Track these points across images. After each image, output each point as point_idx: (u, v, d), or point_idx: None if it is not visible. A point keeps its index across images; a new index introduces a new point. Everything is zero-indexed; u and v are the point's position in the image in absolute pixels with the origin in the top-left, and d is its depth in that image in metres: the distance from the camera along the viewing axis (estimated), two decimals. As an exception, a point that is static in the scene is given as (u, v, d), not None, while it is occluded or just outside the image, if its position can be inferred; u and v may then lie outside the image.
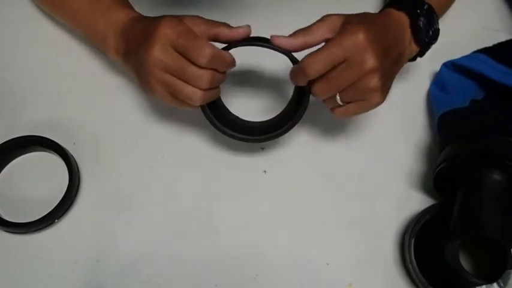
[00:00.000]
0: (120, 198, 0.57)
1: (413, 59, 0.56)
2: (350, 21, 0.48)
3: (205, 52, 0.46)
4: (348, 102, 0.49)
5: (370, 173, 0.60)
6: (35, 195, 0.57)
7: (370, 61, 0.46)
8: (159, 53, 0.47)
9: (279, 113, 0.57)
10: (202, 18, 0.50)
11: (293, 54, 0.50)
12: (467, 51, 0.62)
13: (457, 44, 0.57)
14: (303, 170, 0.59)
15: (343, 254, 0.56)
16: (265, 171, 0.59)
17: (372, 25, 0.48)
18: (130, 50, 0.52)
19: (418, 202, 0.58)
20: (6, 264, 0.54)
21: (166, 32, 0.47)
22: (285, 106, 0.57)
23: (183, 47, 0.47)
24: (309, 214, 0.57)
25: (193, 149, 0.60)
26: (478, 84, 0.59)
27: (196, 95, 0.49)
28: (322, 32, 0.49)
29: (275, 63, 0.59)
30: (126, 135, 0.60)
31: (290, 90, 0.56)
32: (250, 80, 0.64)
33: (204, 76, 0.47)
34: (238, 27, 0.49)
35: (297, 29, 0.49)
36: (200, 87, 0.48)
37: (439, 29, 0.54)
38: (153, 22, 0.49)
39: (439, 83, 0.62)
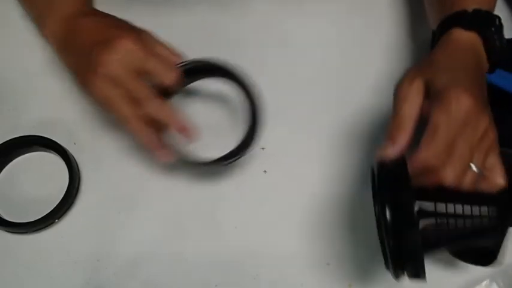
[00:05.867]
0: (120, 198, 0.57)
1: None
2: (441, 88, 0.41)
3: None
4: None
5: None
6: (35, 195, 0.57)
7: (484, 120, 0.42)
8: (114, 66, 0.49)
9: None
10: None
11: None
12: (467, 52, 0.62)
13: (457, 44, 0.57)
14: (303, 170, 0.59)
15: (343, 254, 0.56)
16: (265, 171, 0.59)
17: (463, 79, 0.42)
18: (74, 44, 0.53)
19: (418, 202, 0.58)
20: (6, 264, 0.54)
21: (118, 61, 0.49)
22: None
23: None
24: (309, 214, 0.57)
25: (193, 149, 0.60)
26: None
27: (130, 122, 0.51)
28: (414, 109, 0.42)
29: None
30: (127, 135, 0.60)
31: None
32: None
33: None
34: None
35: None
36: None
37: (505, 40, 0.48)
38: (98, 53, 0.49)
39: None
